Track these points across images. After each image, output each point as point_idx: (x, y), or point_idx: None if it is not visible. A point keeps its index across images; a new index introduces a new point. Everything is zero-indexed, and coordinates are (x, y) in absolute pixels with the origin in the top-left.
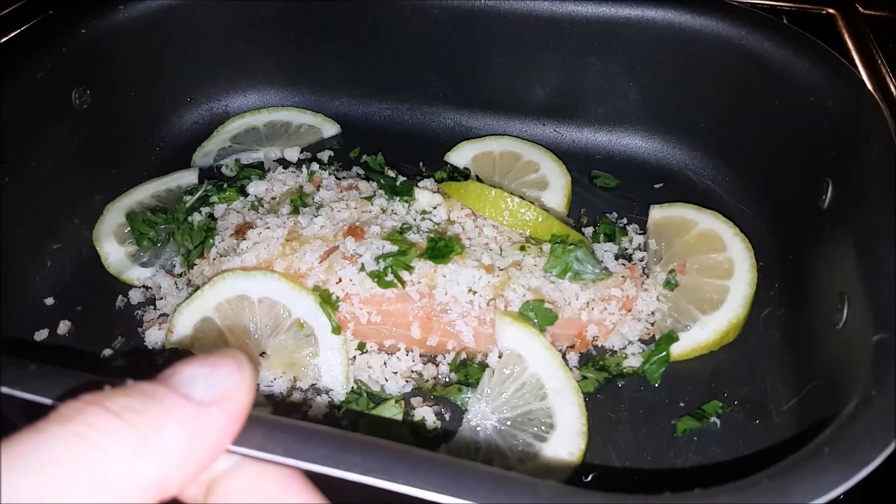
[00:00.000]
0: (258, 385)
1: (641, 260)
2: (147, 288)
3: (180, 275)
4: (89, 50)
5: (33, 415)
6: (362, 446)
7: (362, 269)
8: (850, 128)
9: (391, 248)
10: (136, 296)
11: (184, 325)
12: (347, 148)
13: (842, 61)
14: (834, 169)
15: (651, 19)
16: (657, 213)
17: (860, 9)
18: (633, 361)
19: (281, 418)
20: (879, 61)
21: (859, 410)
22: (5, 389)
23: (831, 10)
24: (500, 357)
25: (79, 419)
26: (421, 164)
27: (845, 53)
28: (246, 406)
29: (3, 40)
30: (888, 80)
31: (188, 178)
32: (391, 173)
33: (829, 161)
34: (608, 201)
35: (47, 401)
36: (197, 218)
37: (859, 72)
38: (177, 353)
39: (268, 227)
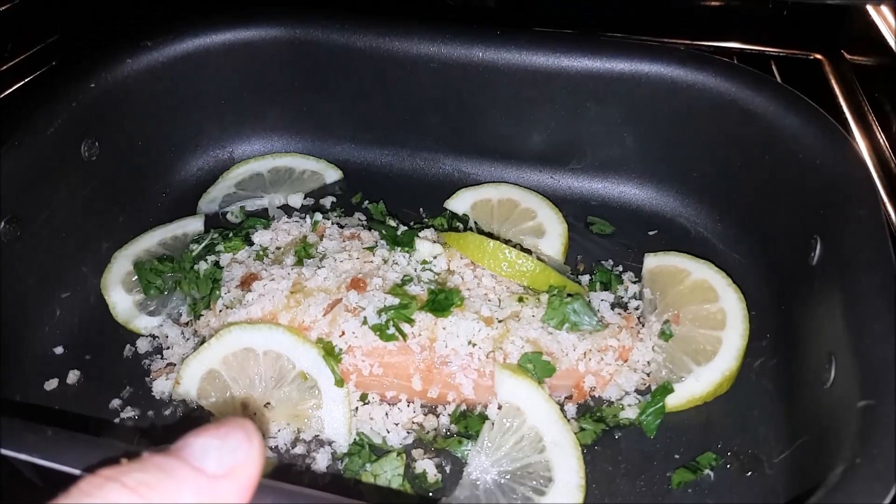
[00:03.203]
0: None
1: (637, 308)
2: (154, 337)
3: (187, 324)
4: (98, 103)
5: (46, 474)
6: None
7: (365, 322)
8: (837, 188)
9: (393, 300)
10: (143, 345)
11: (191, 377)
12: (350, 193)
13: (831, 121)
14: (822, 227)
15: (645, 73)
16: (651, 262)
17: (846, 55)
18: (629, 413)
19: (290, 486)
20: (865, 108)
21: (845, 479)
22: (24, 456)
23: (818, 56)
24: (499, 409)
25: (98, 496)
26: (421, 209)
27: (832, 99)
28: (256, 476)
29: (7, 91)
30: (874, 127)
31: (194, 224)
32: (392, 222)
33: (817, 218)
34: (604, 247)
35: (68, 469)
36: (203, 266)
37: (846, 117)
38: (184, 404)
39: (272, 279)
